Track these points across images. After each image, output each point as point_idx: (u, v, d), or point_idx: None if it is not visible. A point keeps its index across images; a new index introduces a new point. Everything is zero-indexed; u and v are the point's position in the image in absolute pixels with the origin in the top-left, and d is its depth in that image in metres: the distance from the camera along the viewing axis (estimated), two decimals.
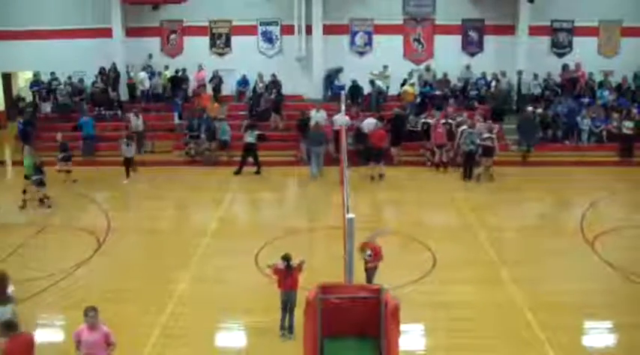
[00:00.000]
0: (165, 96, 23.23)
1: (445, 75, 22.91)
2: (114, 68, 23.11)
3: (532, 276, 11.74)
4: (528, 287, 11.18)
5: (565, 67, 22.97)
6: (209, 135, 20.35)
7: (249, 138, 19.14)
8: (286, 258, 9.48)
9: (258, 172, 19.19)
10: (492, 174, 18.56)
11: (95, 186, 18.12)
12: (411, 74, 23.09)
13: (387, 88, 22.72)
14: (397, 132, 19.91)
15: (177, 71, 23.35)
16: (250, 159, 19.32)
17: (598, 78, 22.92)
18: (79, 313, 10.28)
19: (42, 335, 9.75)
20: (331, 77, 22.95)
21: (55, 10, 23.42)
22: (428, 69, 23.17)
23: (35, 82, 23.42)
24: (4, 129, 25.07)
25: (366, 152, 19.18)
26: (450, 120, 20.00)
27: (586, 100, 22.01)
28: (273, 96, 22.12)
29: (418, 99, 22.01)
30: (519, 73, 22.55)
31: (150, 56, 23.68)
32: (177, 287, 11.35)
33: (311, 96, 22.96)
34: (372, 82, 22.33)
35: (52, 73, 23.36)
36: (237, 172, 19.14)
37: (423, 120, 20.39)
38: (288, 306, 9.51)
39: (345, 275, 7.39)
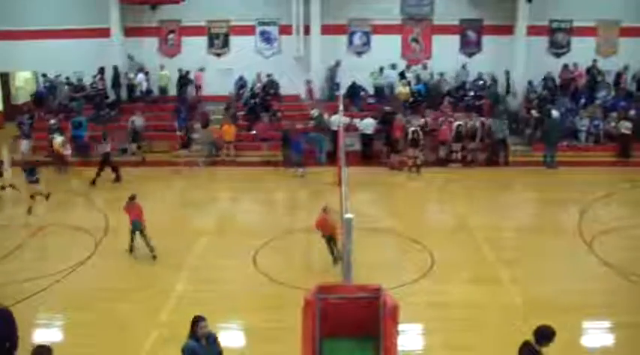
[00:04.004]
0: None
1: (442, 75, 22.91)
2: (114, 69, 23.06)
3: (531, 276, 11.74)
4: (527, 287, 11.20)
5: (566, 66, 22.99)
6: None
7: (106, 147, 18.46)
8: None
9: (117, 180, 18.38)
10: None
11: (92, 185, 18.08)
12: (408, 68, 23.15)
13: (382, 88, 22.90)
14: (387, 130, 20.01)
15: (187, 72, 23.20)
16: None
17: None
18: (77, 313, 10.35)
19: (41, 336, 9.75)
20: (334, 74, 22.90)
21: (53, 10, 23.33)
22: (425, 67, 23.19)
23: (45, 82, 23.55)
24: (3, 129, 25.00)
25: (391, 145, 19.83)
26: (450, 119, 20.27)
27: (582, 101, 22.02)
28: (261, 96, 22.26)
29: (411, 99, 22.06)
30: (507, 72, 22.65)
31: (130, 58, 23.56)
32: (175, 287, 11.35)
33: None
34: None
35: (45, 75, 23.35)
36: (93, 183, 18.13)
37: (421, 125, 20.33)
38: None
39: (343, 275, 7.38)
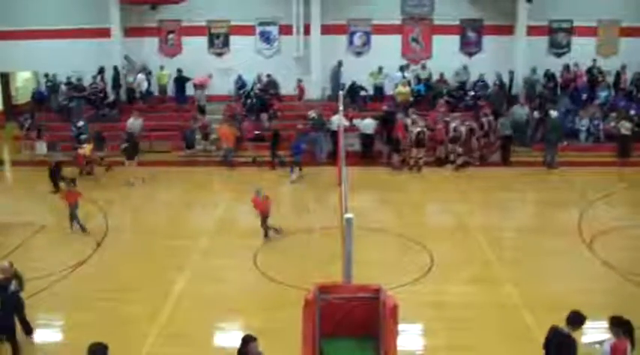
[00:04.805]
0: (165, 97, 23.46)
1: (442, 75, 22.91)
2: (115, 69, 23.05)
3: (531, 276, 11.74)
4: (527, 287, 11.19)
5: (567, 67, 22.97)
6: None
7: (58, 156, 17.80)
8: None
9: (55, 192, 16.86)
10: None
11: (92, 185, 18.07)
12: (407, 66, 23.13)
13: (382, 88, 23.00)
14: (388, 130, 19.98)
15: (181, 71, 23.27)
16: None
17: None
18: (77, 313, 10.35)
19: (41, 336, 9.75)
20: (337, 74, 22.92)
21: (52, 10, 23.33)
22: (424, 67, 23.20)
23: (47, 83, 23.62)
24: (2, 129, 24.95)
25: (393, 145, 19.78)
26: (446, 119, 20.27)
27: (584, 96, 22.00)
28: (259, 96, 22.29)
29: (411, 99, 22.06)
30: (511, 73, 22.62)
31: (126, 57, 23.50)
32: (175, 287, 11.35)
33: (310, 97, 22.96)
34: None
35: (47, 75, 23.37)
36: (55, 192, 16.90)
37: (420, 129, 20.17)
38: None
39: (344, 275, 7.37)
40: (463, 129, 19.77)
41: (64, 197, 14.35)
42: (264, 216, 13.70)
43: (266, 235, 13.72)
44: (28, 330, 9.51)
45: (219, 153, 20.80)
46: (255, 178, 19.14)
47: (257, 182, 18.73)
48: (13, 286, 9.00)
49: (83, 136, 19.20)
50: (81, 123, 20.32)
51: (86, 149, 18.82)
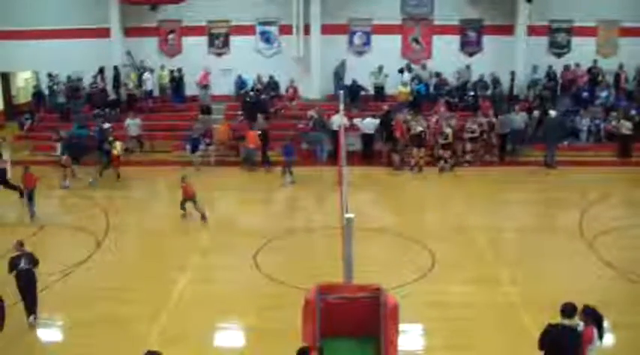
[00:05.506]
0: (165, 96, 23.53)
1: (440, 74, 22.88)
2: (115, 69, 23.05)
3: (531, 276, 11.74)
4: (527, 287, 11.19)
5: (567, 67, 22.96)
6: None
7: (2, 164, 17.19)
8: None
9: (21, 195, 16.09)
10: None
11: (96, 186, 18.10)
12: (408, 66, 23.09)
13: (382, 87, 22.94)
14: (388, 129, 19.96)
15: (175, 71, 23.26)
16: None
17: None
18: (77, 313, 10.36)
19: (41, 335, 9.77)
20: (339, 73, 22.90)
21: (53, 10, 23.32)
22: (424, 67, 23.19)
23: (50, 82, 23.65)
24: (3, 129, 24.95)
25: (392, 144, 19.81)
26: (444, 119, 20.25)
27: (586, 94, 21.99)
28: (266, 96, 22.25)
29: (411, 98, 22.04)
30: (512, 73, 22.58)
31: (128, 53, 23.46)
32: (175, 287, 11.36)
33: (309, 96, 22.96)
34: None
35: (50, 74, 23.38)
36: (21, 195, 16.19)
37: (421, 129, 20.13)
38: None
39: (344, 275, 7.38)
40: (449, 130, 19.66)
41: (24, 180, 15.28)
42: (192, 199, 14.98)
43: (203, 217, 14.93)
44: (32, 311, 9.89)
45: (219, 153, 20.80)
46: (255, 179, 19.16)
47: (256, 183, 18.84)
48: (23, 263, 9.78)
49: (110, 138, 19.08)
50: (107, 126, 20.17)
51: (118, 148, 18.78)
